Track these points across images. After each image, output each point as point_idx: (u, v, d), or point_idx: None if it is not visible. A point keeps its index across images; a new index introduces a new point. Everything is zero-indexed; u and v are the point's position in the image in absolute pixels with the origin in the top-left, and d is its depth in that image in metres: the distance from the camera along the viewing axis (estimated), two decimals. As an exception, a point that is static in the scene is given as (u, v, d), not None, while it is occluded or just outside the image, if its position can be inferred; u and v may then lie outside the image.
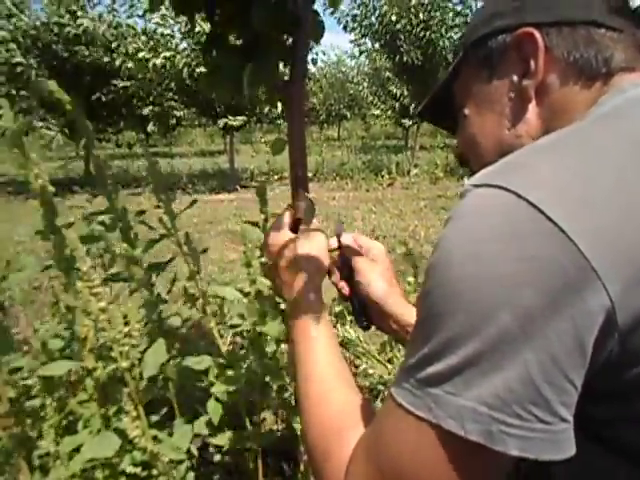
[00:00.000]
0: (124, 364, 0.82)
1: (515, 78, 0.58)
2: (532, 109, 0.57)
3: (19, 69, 9.44)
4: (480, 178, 0.44)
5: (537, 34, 0.55)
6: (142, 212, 1.22)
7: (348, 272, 0.87)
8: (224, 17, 0.86)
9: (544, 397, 0.38)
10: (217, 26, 0.85)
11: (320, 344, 0.69)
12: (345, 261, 0.87)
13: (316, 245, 0.79)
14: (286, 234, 0.82)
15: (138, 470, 0.85)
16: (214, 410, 1.22)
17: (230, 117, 9.54)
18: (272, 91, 0.87)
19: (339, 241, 0.87)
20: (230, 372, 1.20)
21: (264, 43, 0.83)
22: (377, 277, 0.85)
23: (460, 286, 0.40)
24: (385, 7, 10.36)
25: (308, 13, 0.87)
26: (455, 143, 0.72)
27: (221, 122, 9.65)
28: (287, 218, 0.85)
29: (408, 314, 0.84)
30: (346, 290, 0.87)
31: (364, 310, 0.87)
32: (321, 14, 0.92)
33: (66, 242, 1.02)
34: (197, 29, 7.75)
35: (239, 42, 0.86)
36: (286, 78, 0.85)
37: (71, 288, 1.07)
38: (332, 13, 7.49)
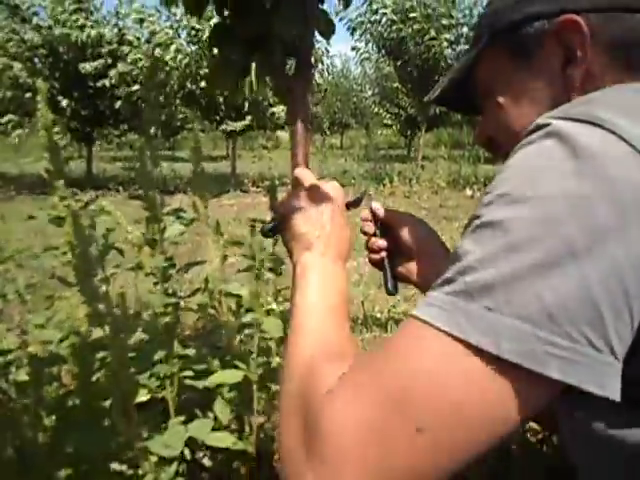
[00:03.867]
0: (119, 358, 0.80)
1: (557, 67, 0.56)
2: (570, 96, 0.55)
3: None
4: (555, 114, 0.43)
5: (581, 21, 0.53)
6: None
7: (384, 238, 0.88)
8: (236, 9, 0.85)
9: (602, 319, 0.34)
10: (226, 19, 0.83)
11: (305, 295, 0.61)
12: (381, 230, 0.88)
13: (330, 194, 0.74)
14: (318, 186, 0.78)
15: (124, 468, 0.82)
16: (221, 409, 1.20)
17: (230, 122, 9.56)
18: (278, 86, 0.86)
19: (372, 212, 0.89)
20: (235, 370, 1.17)
21: (271, 37, 0.82)
22: (421, 259, 0.84)
23: (528, 193, 0.38)
24: (388, 12, 10.40)
25: (315, 8, 0.86)
26: (478, 130, 0.69)
27: (228, 127, 9.67)
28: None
29: None
30: (377, 256, 0.87)
31: (394, 277, 0.87)
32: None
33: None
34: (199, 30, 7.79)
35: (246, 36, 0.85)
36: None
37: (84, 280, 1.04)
38: (340, 18, 7.50)
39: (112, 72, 9.76)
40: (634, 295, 0.35)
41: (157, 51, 9.28)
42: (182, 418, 1.09)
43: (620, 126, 0.39)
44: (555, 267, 0.35)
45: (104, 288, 0.93)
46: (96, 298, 0.80)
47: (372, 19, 11.07)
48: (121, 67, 9.67)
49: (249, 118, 10.07)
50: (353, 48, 12.27)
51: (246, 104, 9.39)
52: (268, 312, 1.36)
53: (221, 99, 9.65)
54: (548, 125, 0.42)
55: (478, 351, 0.35)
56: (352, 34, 11.50)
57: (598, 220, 0.35)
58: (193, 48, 9.18)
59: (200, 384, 1.18)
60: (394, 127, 15.50)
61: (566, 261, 0.35)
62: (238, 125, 9.79)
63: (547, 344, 0.34)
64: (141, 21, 9.65)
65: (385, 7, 10.57)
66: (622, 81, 0.52)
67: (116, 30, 10.16)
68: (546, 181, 0.38)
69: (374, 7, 10.72)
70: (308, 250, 0.67)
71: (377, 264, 0.88)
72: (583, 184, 0.37)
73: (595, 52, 0.53)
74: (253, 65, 0.86)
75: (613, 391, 0.35)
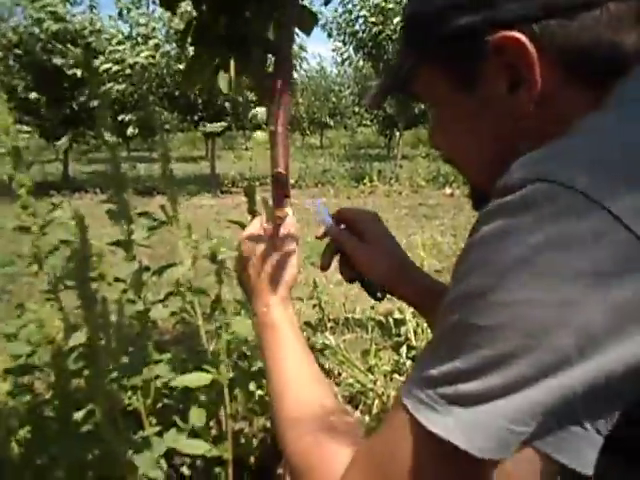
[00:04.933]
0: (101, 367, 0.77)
1: (503, 90, 0.48)
2: (528, 121, 0.48)
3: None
4: (530, 170, 0.37)
5: (522, 38, 0.44)
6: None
7: (343, 256, 0.83)
8: (213, 5, 0.83)
9: (583, 424, 0.35)
10: (204, 15, 0.81)
11: (287, 353, 0.67)
12: (337, 247, 0.83)
13: (285, 251, 0.75)
14: (259, 236, 0.79)
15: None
16: (197, 416, 1.17)
17: (208, 124, 9.50)
18: (257, 84, 0.84)
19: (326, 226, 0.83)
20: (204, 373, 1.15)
21: (249, 33, 0.80)
22: (373, 262, 0.80)
23: (510, 298, 0.35)
24: (366, 13, 10.44)
25: (295, 5, 0.84)
26: (428, 135, 0.63)
27: (207, 128, 9.61)
28: (260, 221, 0.82)
29: (421, 280, 0.80)
30: (346, 276, 0.84)
31: (373, 285, 0.83)
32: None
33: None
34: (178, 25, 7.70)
35: (223, 32, 0.82)
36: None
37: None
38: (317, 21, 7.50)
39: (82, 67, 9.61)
40: (617, 395, 0.35)
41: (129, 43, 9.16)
42: (157, 429, 1.06)
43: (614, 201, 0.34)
44: (547, 378, 0.34)
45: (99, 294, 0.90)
46: (94, 304, 0.77)
47: (348, 20, 11.11)
48: (96, 62, 9.53)
49: (229, 119, 10.01)
50: (334, 49, 12.31)
51: (226, 104, 9.32)
52: (238, 313, 1.33)
53: (199, 100, 9.58)
54: (517, 190, 0.37)
55: (462, 453, 0.36)
56: (329, 36, 11.54)
57: (587, 324, 0.34)
58: (171, 47, 9.09)
59: (175, 390, 1.15)
60: (373, 126, 15.55)
61: (558, 373, 0.34)
62: (217, 125, 9.72)
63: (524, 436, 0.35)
64: (119, 15, 9.55)
65: (362, 8, 10.61)
66: (583, 97, 0.46)
67: (90, 25, 10.01)
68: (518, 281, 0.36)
69: (349, 7, 10.77)
70: (268, 327, 0.70)
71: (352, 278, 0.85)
72: (571, 280, 0.34)
73: (546, 69, 0.45)
74: (232, 63, 0.84)
75: (588, 464, 0.35)
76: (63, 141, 9.97)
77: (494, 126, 0.51)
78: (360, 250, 0.80)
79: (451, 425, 0.36)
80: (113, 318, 1.00)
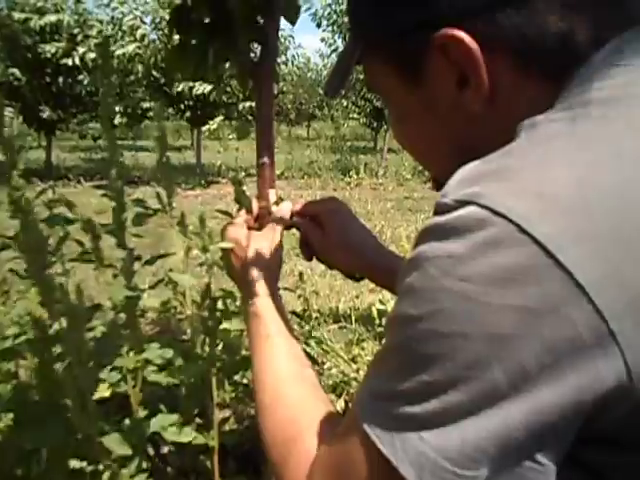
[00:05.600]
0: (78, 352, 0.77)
1: (451, 89, 0.45)
2: (479, 119, 0.46)
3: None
4: (464, 192, 0.36)
5: (464, 36, 0.41)
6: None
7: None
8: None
9: (524, 466, 0.35)
10: (187, 1, 0.81)
11: (273, 344, 0.68)
12: (301, 237, 0.87)
13: (269, 242, 0.78)
14: (242, 227, 0.82)
15: (84, 464, 0.80)
16: (184, 404, 1.18)
17: (210, 121, 9.45)
18: (242, 72, 0.84)
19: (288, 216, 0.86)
20: (195, 363, 1.16)
21: (235, 21, 0.80)
22: (332, 253, 0.85)
23: (447, 329, 0.34)
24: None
25: (281, -7, 0.84)
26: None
27: (210, 124, 9.57)
28: (245, 213, 0.85)
29: (387, 263, 0.83)
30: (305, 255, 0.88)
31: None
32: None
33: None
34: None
35: (207, 19, 0.82)
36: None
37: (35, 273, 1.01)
38: (306, 8, 7.46)
39: (74, 55, 9.48)
40: (563, 435, 0.35)
41: (118, 33, 9.04)
42: (144, 413, 1.07)
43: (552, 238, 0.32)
44: (480, 409, 0.34)
45: (61, 280, 0.89)
46: (51, 290, 0.77)
47: (338, 10, 11.05)
48: (82, 51, 9.37)
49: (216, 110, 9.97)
50: (322, 39, 12.22)
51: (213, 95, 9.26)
52: (226, 305, 1.34)
53: (186, 89, 9.50)
54: (446, 207, 0.36)
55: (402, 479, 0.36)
56: (318, 26, 11.47)
57: (520, 360, 0.33)
58: (156, 35, 8.99)
59: (163, 379, 1.16)
60: (360, 119, 15.51)
61: (488, 406, 0.34)
62: (215, 122, 9.75)
63: None
64: (107, 5, 9.41)
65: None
66: (538, 92, 0.43)
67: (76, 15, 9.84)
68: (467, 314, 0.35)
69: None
70: (256, 311, 0.72)
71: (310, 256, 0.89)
72: (504, 316, 0.33)
73: (496, 65, 0.42)
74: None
75: None
76: (49, 114, 9.81)
77: (446, 123, 0.49)
78: (320, 242, 0.84)
79: (397, 446, 0.37)
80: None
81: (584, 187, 0.33)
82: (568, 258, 0.31)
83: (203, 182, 9.63)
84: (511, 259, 0.32)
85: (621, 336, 0.31)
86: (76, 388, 0.79)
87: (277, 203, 0.85)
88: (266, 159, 0.82)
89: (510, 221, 0.33)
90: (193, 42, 0.80)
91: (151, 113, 12.94)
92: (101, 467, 0.82)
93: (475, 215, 0.34)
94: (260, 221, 0.83)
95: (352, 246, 0.83)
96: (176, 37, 0.87)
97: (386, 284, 0.85)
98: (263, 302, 0.72)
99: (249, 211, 0.84)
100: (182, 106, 10.04)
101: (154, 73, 9.10)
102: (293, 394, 0.61)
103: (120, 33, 9.17)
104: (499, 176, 0.36)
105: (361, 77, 13.60)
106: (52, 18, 9.14)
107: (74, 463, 0.78)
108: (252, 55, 0.86)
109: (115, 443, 0.81)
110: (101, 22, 9.75)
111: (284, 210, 0.83)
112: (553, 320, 0.32)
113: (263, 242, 0.77)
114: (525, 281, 0.32)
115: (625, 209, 0.33)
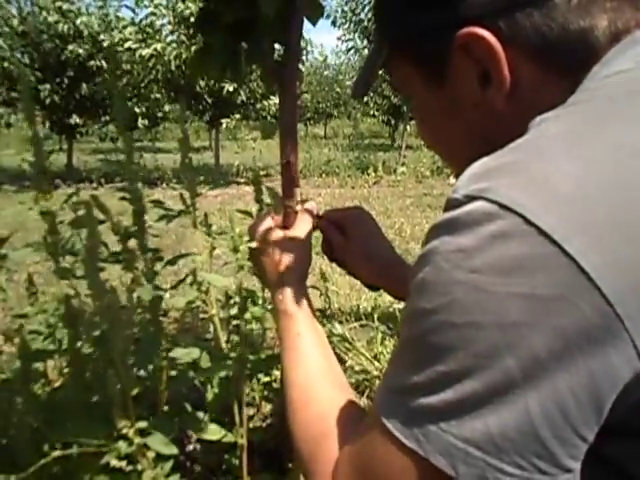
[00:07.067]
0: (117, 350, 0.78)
1: (475, 87, 0.47)
2: (500, 116, 0.48)
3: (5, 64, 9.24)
4: (473, 187, 0.37)
5: (485, 33, 0.43)
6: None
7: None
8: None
9: (549, 451, 0.34)
10: (211, 3, 0.81)
11: (303, 342, 0.69)
12: (323, 238, 0.87)
13: (298, 240, 0.78)
14: (270, 226, 0.81)
15: (123, 464, 0.81)
16: (211, 402, 1.18)
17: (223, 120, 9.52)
18: (266, 74, 0.84)
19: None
20: (224, 362, 1.17)
21: (259, 23, 0.80)
22: (354, 264, 0.86)
23: (459, 320, 0.35)
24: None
25: (304, -6, 0.84)
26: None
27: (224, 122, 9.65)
28: (269, 211, 0.86)
29: (400, 276, 0.83)
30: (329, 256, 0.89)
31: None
32: None
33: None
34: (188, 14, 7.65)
35: (231, 21, 0.83)
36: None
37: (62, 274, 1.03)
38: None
39: (98, 58, 9.59)
40: (582, 424, 0.34)
41: (140, 35, 9.11)
42: (171, 411, 1.08)
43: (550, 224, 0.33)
44: (496, 398, 0.35)
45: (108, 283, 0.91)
46: (104, 293, 0.79)
47: (353, 8, 11.03)
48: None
49: (237, 110, 10.05)
50: (339, 38, 12.22)
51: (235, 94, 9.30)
52: (254, 303, 1.35)
53: (205, 89, 9.56)
54: (462, 205, 0.37)
55: (436, 470, 0.37)
56: (334, 24, 11.47)
57: (532, 347, 0.34)
58: (177, 36, 9.03)
59: (189, 377, 1.17)
60: (378, 116, 15.47)
61: (505, 393, 0.35)
62: (232, 120, 9.85)
63: (499, 472, 0.35)
64: (136, 4, 9.51)
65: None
66: (557, 88, 0.44)
67: (100, 20, 9.95)
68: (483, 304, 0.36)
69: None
70: (287, 309, 0.72)
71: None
72: (515, 305, 0.34)
73: (517, 62, 0.44)
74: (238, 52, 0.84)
75: None
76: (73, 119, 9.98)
77: (468, 121, 0.51)
78: (341, 249, 0.85)
79: (421, 439, 0.37)
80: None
81: (585, 179, 0.35)
82: (572, 247, 0.33)
83: (222, 182, 9.70)
84: (518, 250, 0.34)
85: (628, 320, 0.32)
86: (117, 387, 0.80)
87: (302, 202, 0.85)
88: (292, 158, 0.82)
89: (516, 214, 0.34)
90: (218, 44, 0.80)
91: (171, 115, 13.10)
92: (139, 467, 0.83)
93: (483, 209, 0.35)
94: (286, 220, 0.83)
95: (372, 257, 0.84)
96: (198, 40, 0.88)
97: (404, 297, 0.85)
98: (294, 300, 0.73)
99: (277, 210, 0.85)
100: (200, 107, 10.10)
101: (173, 71, 9.13)
102: (323, 391, 0.62)
103: (144, 34, 9.22)
104: (506, 171, 0.37)
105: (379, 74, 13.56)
106: (77, 21, 9.28)
107: (114, 462, 0.80)
108: (275, 56, 0.87)
109: (159, 443, 0.82)
110: (125, 27, 9.82)
111: (310, 210, 0.83)
112: (561, 306, 0.33)
113: (293, 241, 0.78)
114: (532, 270, 0.33)
115: (624, 199, 0.34)
